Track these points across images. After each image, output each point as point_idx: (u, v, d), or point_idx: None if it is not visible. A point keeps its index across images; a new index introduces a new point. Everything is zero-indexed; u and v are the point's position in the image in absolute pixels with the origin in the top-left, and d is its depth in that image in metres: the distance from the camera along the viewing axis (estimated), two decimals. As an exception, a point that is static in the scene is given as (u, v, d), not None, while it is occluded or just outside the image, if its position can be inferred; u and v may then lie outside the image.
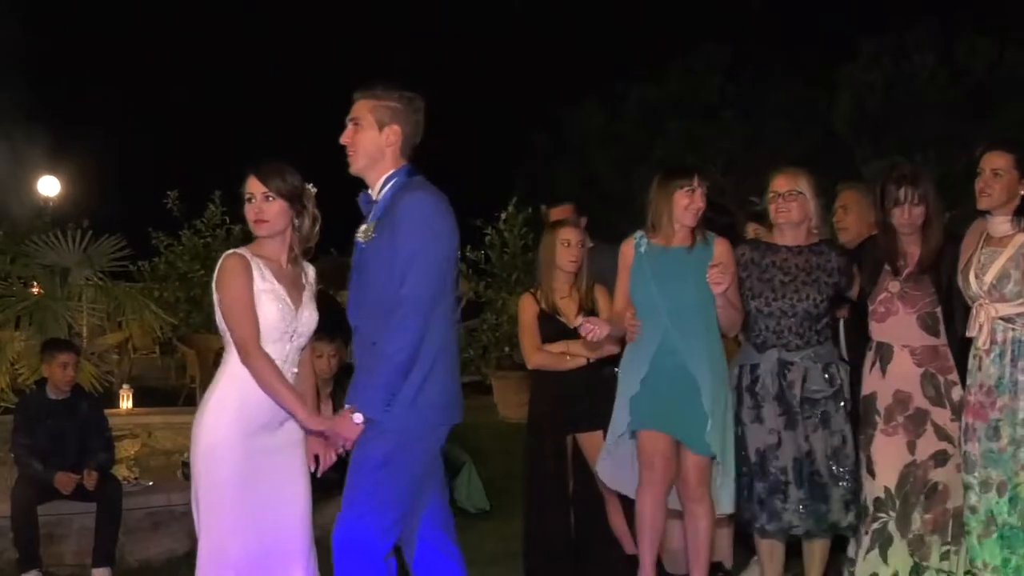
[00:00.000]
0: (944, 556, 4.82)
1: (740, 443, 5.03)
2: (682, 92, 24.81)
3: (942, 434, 4.81)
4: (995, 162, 4.58)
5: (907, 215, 4.81)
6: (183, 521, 6.45)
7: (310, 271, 4.30)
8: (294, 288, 4.18)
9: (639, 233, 5.11)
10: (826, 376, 4.99)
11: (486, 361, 13.70)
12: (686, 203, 4.96)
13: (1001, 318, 4.54)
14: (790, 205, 5.01)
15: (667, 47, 25.19)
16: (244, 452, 4.05)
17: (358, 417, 3.89)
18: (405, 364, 3.87)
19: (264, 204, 4.13)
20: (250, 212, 4.17)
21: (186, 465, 6.65)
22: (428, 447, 4.05)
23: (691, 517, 5.00)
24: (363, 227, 4.13)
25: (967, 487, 4.66)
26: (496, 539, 6.81)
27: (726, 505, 5.02)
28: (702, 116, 24.05)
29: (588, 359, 5.58)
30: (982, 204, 4.61)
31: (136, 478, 6.93)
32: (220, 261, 4.15)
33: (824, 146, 22.19)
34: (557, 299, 5.66)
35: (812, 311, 4.98)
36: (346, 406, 3.96)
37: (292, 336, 4.13)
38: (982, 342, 4.58)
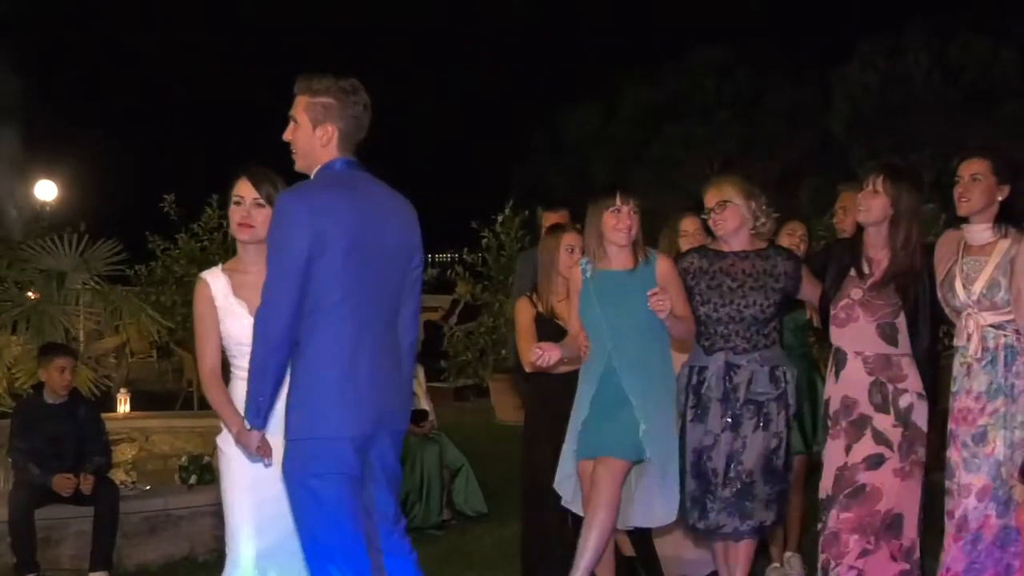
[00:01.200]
0: (861, 554, 4.81)
1: (680, 442, 5.09)
2: (678, 93, 24.87)
3: (880, 438, 4.82)
4: (972, 168, 4.61)
5: (864, 199, 4.84)
6: (180, 525, 6.46)
7: None
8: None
9: (584, 259, 5.17)
10: (772, 379, 5.03)
11: (483, 364, 13.69)
12: (613, 223, 5.00)
13: (991, 325, 4.56)
14: (724, 216, 5.05)
15: (663, 48, 25.27)
16: (247, 455, 4.04)
17: (246, 423, 3.84)
18: (265, 367, 3.75)
19: (253, 209, 4.13)
20: (236, 215, 4.16)
21: (183, 469, 6.66)
22: (330, 460, 3.77)
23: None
24: None
25: (947, 493, 4.69)
26: (493, 542, 6.83)
27: (667, 515, 5.07)
28: (698, 117, 24.09)
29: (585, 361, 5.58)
30: (961, 210, 4.64)
31: (133, 482, 6.93)
32: None
33: (820, 147, 22.26)
34: (555, 302, 5.66)
35: (759, 316, 5.03)
36: None
37: None
38: (973, 351, 4.58)
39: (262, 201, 4.11)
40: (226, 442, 4.11)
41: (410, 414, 4.23)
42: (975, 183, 4.58)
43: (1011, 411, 4.52)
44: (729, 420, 5.01)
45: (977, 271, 4.57)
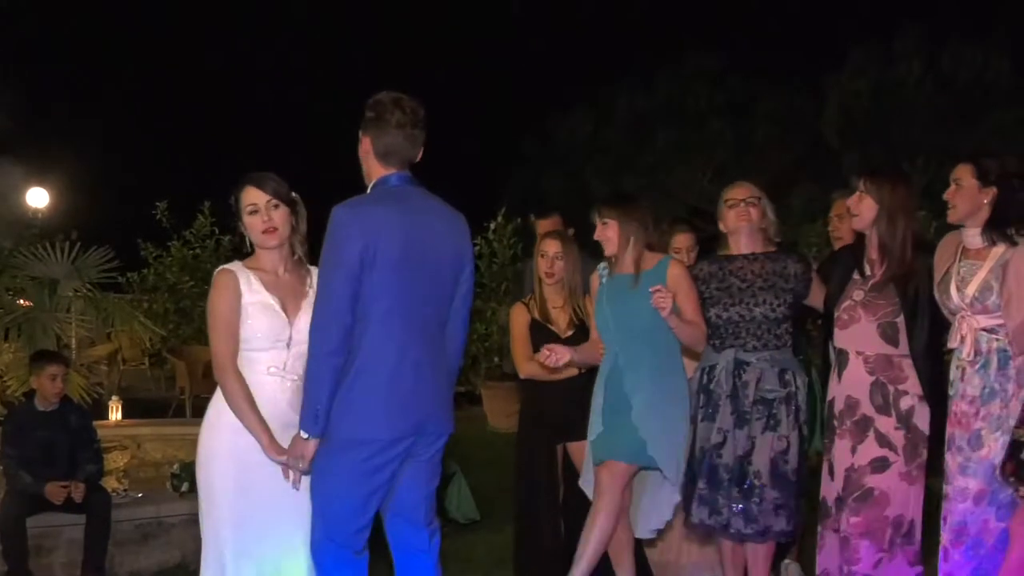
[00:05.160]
0: (877, 564, 4.83)
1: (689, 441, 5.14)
2: (671, 100, 24.87)
3: (883, 441, 4.82)
4: (956, 173, 4.65)
5: (854, 207, 4.91)
6: (172, 533, 6.45)
7: (315, 276, 4.21)
8: (291, 296, 4.17)
9: (603, 264, 5.32)
10: (780, 380, 5.05)
11: (476, 371, 13.69)
12: (597, 237, 5.22)
13: (984, 329, 4.56)
14: (750, 210, 5.15)
15: (656, 55, 25.30)
16: (240, 464, 4.05)
17: (303, 433, 3.90)
18: (321, 375, 3.84)
19: (272, 212, 4.15)
20: (258, 223, 4.16)
21: (175, 477, 6.65)
22: (356, 460, 3.92)
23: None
24: None
25: (944, 497, 4.68)
26: (486, 549, 6.82)
27: (666, 513, 5.19)
28: (691, 124, 24.10)
29: (580, 369, 5.59)
30: (949, 216, 4.69)
31: (125, 490, 6.91)
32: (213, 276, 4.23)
33: (812, 154, 22.29)
34: (549, 309, 5.68)
35: (769, 315, 5.07)
36: None
37: (288, 343, 4.11)
38: (966, 353, 4.59)
39: (276, 202, 4.15)
40: (214, 442, 4.11)
41: (452, 419, 4.24)
42: (958, 189, 4.62)
43: (1004, 414, 4.50)
44: (735, 417, 5.02)
45: (971, 274, 4.58)
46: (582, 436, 5.53)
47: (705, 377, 5.15)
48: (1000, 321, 4.52)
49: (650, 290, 4.84)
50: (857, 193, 4.89)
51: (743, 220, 5.15)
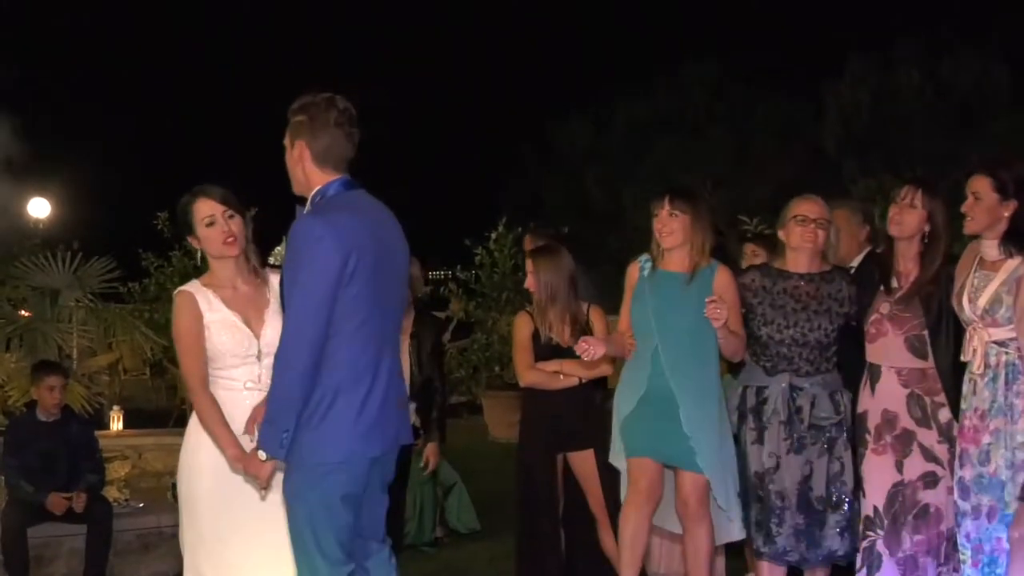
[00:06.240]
0: None
1: (740, 464, 5.02)
2: (670, 109, 24.88)
3: (929, 455, 4.78)
4: (974, 185, 4.56)
5: (899, 214, 4.79)
6: (173, 543, 6.39)
7: (274, 281, 4.18)
8: (252, 308, 4.12)
9: (644, 256, 5.14)
10: (832, 403, 4.98)
11: (476, 381, 13.68)
12: (657, 226, 5.04)
13: (995, 342, 4.50)
14: (819, 233, 4.99)
15: (655, 63, 25.35)
16: (220, 477, 4.04)
17: (261, 454, 3.71)
18: (292, 397, 3.62)
19: (231, 223, 4.09)
20: (218, 235, 4.08)
21: (176, 487, 6.66)
22: (343, 485, 3.72)
23: (690, 537, 4.99)
24: (277, 249, 4.09)
25: (961, 514, 4.62)
26: (487, 559, 6.83)
27: (736, 532, 5.04)
28: (690, 133, 24.11)
29: (580, 379, 5.59)
30: (967, 228, 4.61)
31: (126, 500, 6.92)
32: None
33: (812, 163, 22.29)
34: (551, 319, 5.67)
35: (823, 340, 4.96)
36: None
37: (259, 356, 4.07)
38: (976, 366, 4.54)
39: (230, 211, 4.09)
40: (196, 456, 4.10)
41: (411, 429, 4.18)
42: (977, 202, 4.53)
43: (1010, 431, 4.45)
44: (789, 442, 4.93)
45: (984, 286, 4.53)
46: (582, 446, 5.55)
47: (753, 398, 5.04)
48: (1011, 335, 4.46)
49: (707, 300, 4.74)
50: (908, 202, 4.77)
51: (809, 242, 4.99)
